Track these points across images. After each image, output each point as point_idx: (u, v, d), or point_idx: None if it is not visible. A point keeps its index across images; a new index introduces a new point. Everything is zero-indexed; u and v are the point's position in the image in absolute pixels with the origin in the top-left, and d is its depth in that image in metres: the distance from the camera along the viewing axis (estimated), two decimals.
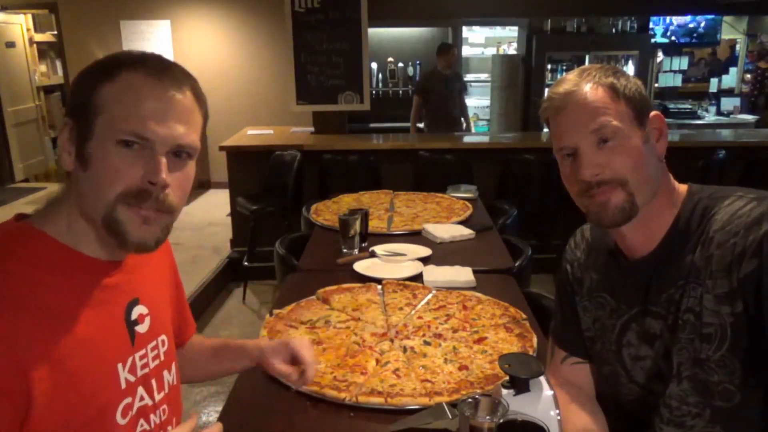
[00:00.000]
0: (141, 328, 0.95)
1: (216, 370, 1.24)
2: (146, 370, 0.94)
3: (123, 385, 0.90)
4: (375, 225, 2.54)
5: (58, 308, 0.82)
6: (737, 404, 0.96)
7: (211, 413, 2.71)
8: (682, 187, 1.10)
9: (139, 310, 0.95)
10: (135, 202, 0.83)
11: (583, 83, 1.02)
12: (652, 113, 1.06)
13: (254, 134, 5.06)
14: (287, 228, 3.95)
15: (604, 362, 1.14)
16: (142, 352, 0.94)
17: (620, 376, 1.11)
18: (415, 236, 2.42)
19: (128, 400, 0.90)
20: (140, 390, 0.93)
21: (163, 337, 1.00)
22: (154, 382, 0.96)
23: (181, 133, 0.84)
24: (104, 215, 0.83)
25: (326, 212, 2.79)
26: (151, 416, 0.96)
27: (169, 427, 1.00)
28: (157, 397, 0.97)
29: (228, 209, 4.81)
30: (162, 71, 0.85)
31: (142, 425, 0.94)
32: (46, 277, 0.83)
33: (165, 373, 1.00)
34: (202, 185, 6.92)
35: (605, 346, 1.14)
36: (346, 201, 3.03)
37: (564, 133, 1.03)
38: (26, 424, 0.77)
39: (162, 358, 0.99)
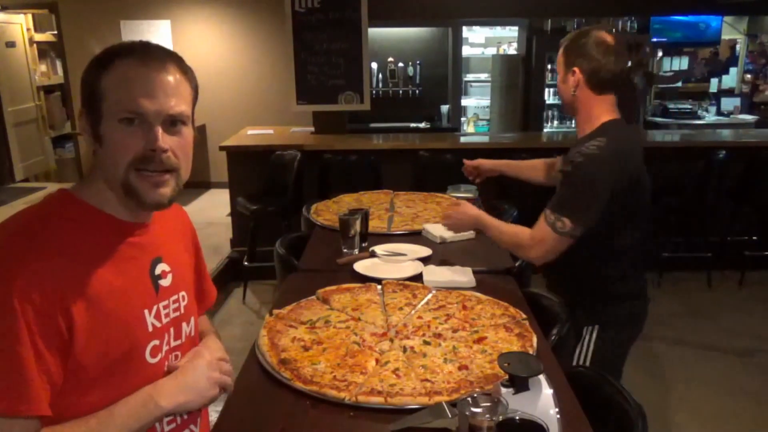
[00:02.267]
0: (164, 282, 1.11)
1: None
2: (168, 319, 1.10)
3: (150, 328, 1.06)
4: (375, 225, 2.54)
5: (94, 259, 0.99)
6: None
7: (211, 413, 2.71)
8: (600, 120, 1.84)
9: (162, 267, 1.11)
10: (143, 166, 0.99)
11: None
12: (570, 71, 1.87)
13: (254, 134, 5.06)
14: (287, 228, 3.95)
15: None
16: (165, 302, 1.10)
17: None
18: (415, 236, 2.42)
19: (156, 342, 1.06)
20: (166, 335, 1.09)
21: (184, 293, 1.16)
22: (172, 330, 1.11)
23: (170, 105, 1.00)
24: (122, 182, 1.00)
25: (326, 212, 2.78)
26: (170, 357, 1.11)
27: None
28: (173, 343, 1.12)
29: (228, 209, 4.81)
30: (148, 55, 1.00)
31: (167, 366, 1.10)
32: (84, 234, 1.00)
33: (183, 324, 1.15)
34: (202, 185, 6.92)
35: None
36: (347, 201, 3.03)
37: None
38: (71, 349, 0.93)
39: (182, 311, 1.15)
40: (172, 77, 1.01)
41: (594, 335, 1.86)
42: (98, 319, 0.96)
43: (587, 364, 1.87)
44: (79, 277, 0.96)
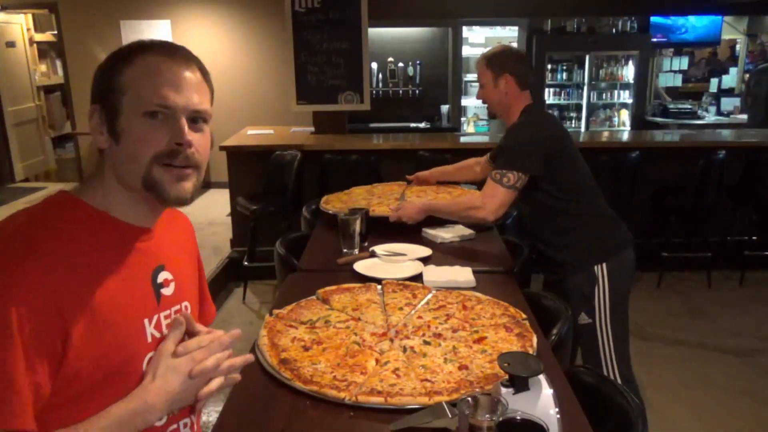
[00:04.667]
0: (166, 291, 1.06)
1: None
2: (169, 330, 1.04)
3: (149, 339, 1.01)
4: (383, 211, 2.56)
5: (96, 266, 0.95)
6: None
7: (211, 413, 2.70)
8: (518, 112, 2.26)
9: (164, 275, 1.07)
10: (167, 160, 0.97)
11: (479, 59, 2.32)
12: (502, 76, 2.23)
13: (254, 134, 5.06)
14: (287, 228, 3.95)
15: None
16: (167, 312, 1.06)
17: None
18: (415, 236, 2.42)
19: (153, 353, 1.00)
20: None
21: (187, 303, 1.12)
22: None
23: (196, 101, 0.99)
24: (143, 177, 0.97)
25: (337, 202, 2.80)
26: None
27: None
28: None
29: (228, 209, 4.81)
30: (173, 51, 0.99)
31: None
32: (85, 238, 0.96)
33: (186, 337, 1.07)
34: (202, 185, 6.92)
35: None
36: (358, 192, 3.01)
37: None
38: (64, 361, 0.89)
39: None
40: (195, 75, 1.00)
41: (606, 269, 2.13)
42: (96, 328, 0.92)
43: (607, 303, 2.13)
44: (79, 286, 0.91)
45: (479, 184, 2.50)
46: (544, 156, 2.12)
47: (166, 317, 1.05)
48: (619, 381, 2.05)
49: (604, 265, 2.13)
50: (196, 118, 1.00)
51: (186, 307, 1.11)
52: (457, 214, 2.30)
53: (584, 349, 2.19)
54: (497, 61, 2.25)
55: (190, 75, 0.99)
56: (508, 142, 2.21)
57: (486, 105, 2.36)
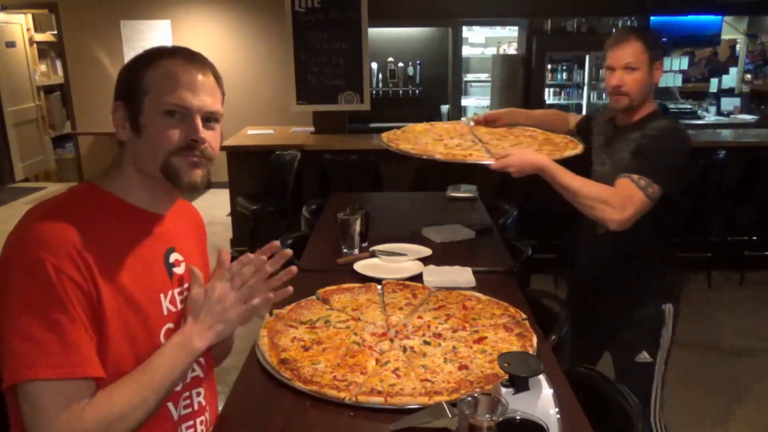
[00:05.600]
0: (178, 270, 1.19)
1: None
2: (183, 306, 1.17)
3: (165, 312, 1.13)
4: (457, 154, 2.15)
5: (118, 245, 1.08)
6: None
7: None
8: (654, 104, 2.00)
9: (175, 256, 1.19)
10: (184, 153, 1.10)
11: (629, 36, 1.91)
12: (658, 61, 1.92)
13: (254, 134, 5.06)
14: (287, 228, 3.95)
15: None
16: (179, 289, 1.18)
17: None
18: (415, 236, 2.42)
19: (170, 325, 1.14)
20: (182, 322, 1.14)
21: None
22: (186, 317, 1.16)
23: (209, 103, 1.12)
24: (162, 165, 1.09)
25: (402, 141, 2.36)
26: None
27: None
28: None
29: (228, 209, 4.81)
30: (191, 58, 1.13)
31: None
32: (107, 220, 1.08)
33: None
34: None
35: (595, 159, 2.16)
36: (417, 130, 2.54)
37: (613, 59, 1.92)
38: (104, 336, 1.01)
39: None
40: (209, 80, 1.13)
41: (672, 311, 1.99)
42: (123, 304, 1.04)
43: (668, 346, 1.99)
44: (106, 262, 1.03)
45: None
46: (682, 176, 1.88)
47: (179, 293, 1.18)
48: (660, 426, 2.03)
49: (671, 305, 1.98)
50: (209, 118, 1.13)
51: None
52: (580, 195, 1.80)
53: (633, 387, 1.63)
54: (655, 43, 1.92)
55: (205, 79, 1.12)
56: (657, 147, 1.83)
57: (615, 90, 1.91)
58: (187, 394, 1.20)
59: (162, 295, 1.14)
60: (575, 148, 2.11)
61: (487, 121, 2.44)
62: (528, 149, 2.03)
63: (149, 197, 1.15)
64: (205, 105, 1.10)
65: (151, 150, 1.09)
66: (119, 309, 1.04)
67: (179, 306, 1.17)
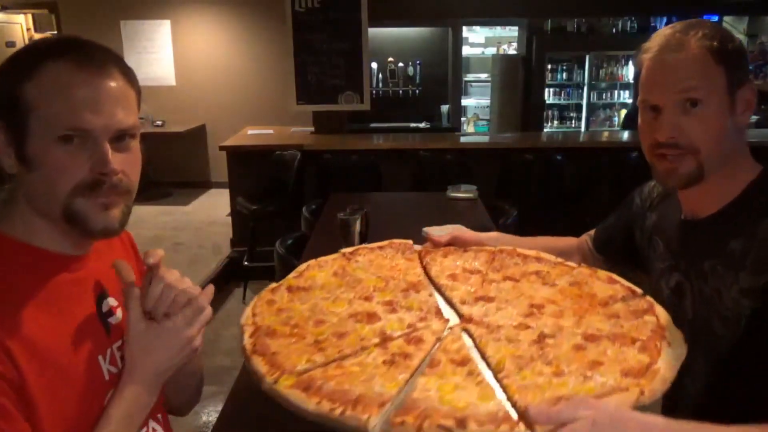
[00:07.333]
0: (114, 320, 0.94)
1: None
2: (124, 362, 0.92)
3: (106, 377, 0.89)
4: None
5: (29, 303, 0.81)
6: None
7: (211, 413, 2.71)
8: (755, 167, 1.03)
9: (109, 302, 0.94)
10: (90, 192, 0.82)
11: (686, 39, 0.97)
12: (746, 83, 0.99)
13: (254, 134, 5.07)
14: (287, 228, 3.95)
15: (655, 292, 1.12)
16: (119, 343, 0.93)
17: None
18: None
19: (113, 391, 0.89)
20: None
21: None
22: None
23: (120, 119, 0.83)
24: (63, 210, 0.82)
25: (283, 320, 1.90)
26: None
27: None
28: None
29: (228, 209, 4.81)
30: (87, 59, 0.82)
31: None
32: (14, 276, 0.82)
33: None
34: (202, 185, 6.92)
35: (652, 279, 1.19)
36: (320, 280, 1.84)
37: (652, 87, 1.01)
38: (34, 425, 0.77)
39: None
40: (116, 83, 0.83)
41: None
42: (50, 377, 0.80)
43: None
44: (20, 332, 0.78)
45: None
46: None
47: (119, 348, 0.92)
48: None
49: None
50: (122, 135, 0.85)
51: None
52: None
53: None
54: (736, 55, 0.98)
55: (110, 85, 0.82)
56: None
57: (676, 142, 0.99)
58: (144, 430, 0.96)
59: (101, 357, 0.89)
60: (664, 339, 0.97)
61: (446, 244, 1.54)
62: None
63: (60, 238, 0.87)
64: (113, 122, 0.82)
65: (46, 189, 0.81)
66: (48, 387, 0.79)
67: (121, 364, 0.91)
